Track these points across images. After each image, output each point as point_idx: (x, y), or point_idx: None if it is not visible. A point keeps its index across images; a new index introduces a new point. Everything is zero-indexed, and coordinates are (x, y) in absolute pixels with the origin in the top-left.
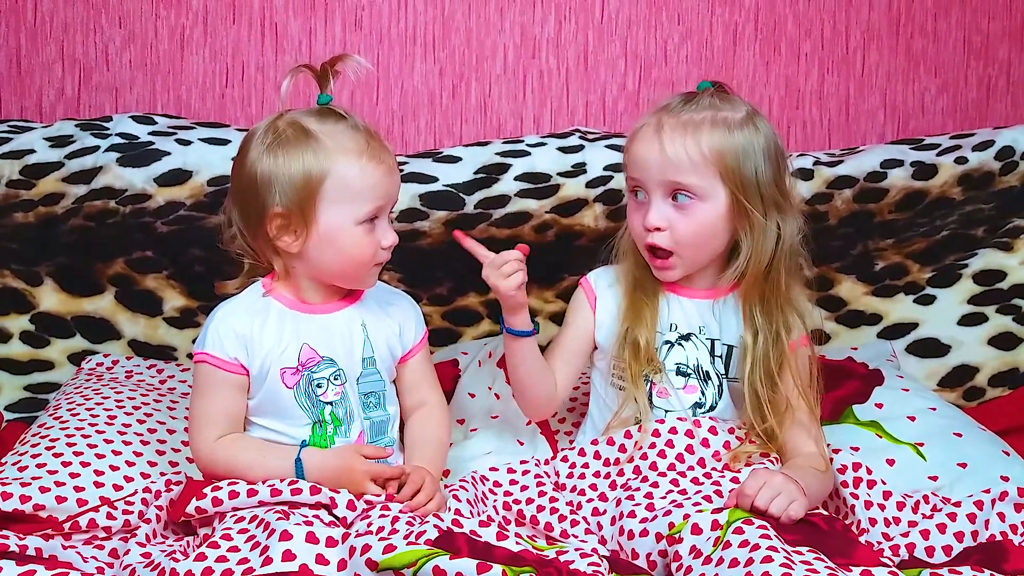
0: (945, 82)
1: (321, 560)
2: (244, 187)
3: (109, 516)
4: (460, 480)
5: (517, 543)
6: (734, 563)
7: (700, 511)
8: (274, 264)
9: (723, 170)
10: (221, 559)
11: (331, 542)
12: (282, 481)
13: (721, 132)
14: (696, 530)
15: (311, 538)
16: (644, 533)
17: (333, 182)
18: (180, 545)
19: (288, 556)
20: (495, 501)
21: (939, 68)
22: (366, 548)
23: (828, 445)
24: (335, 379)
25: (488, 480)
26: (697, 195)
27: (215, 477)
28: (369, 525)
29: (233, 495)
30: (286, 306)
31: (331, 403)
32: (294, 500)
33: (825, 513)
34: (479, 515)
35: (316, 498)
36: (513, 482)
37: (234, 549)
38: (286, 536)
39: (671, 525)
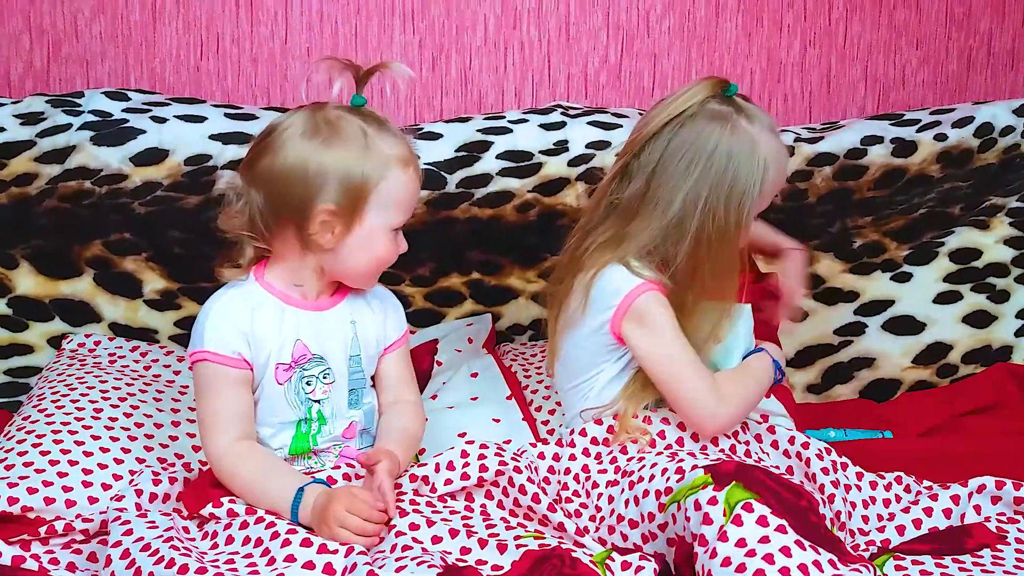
0: (926, 54)
1: (328, 570)
2: (285, 177)
3: (85, 519)
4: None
5: (518, 546)
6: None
7: (694, 488)
8: (285, 252)
9: None
10: (228, 562)
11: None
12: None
13: None
14: (697, 506)
15: (323, 549)
16: (645, 493)
17: (385, 188)
18: (179, 533)
19: (292, 559)
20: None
21: (921, 40)
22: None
23: (792, 430)
24: (324, 377)
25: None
26: None
27: (224, 482)
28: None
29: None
30: (280, 300)
31: (318, 401)
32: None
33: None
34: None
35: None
36: (517, 469)
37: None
38: (296, 545)
39: (668, 490)
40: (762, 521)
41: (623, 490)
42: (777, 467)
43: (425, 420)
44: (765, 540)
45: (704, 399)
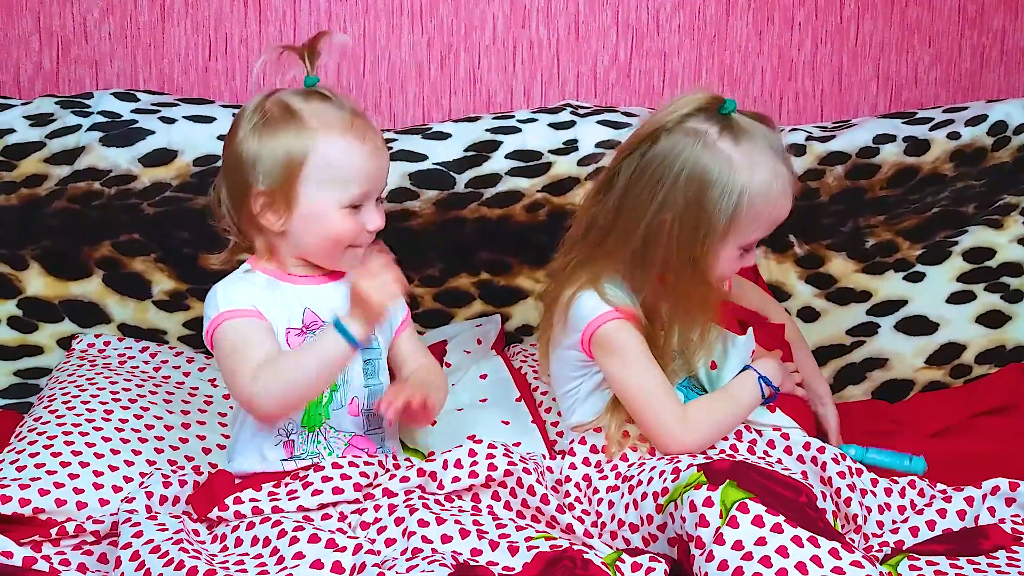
0: (939, 52)
1: (337, 568)
2: (231, 166)
3: (96, 521)
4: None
5: (529, 547)
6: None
7: (688, 486)
8: (256, 242)
9: None
10: (238, 563)
11: (339, 568)
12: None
13: None
14: (692, 507)
15: (331, 544)
16: (644, 496)
17: (315, 161)
18: (188, 534)
19: (300, 555)
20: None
21: (933, 38)
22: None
23: (808, 436)
24: None
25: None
26: None
27: (274, 412)
28: (388, 544)
29: (256, 511)
30: (277, 279)
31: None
32: (336, 500)
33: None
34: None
35: (357, 494)
36: (527, 470)
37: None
38: (304, 542)
39: (664, 491)
40: (758, 521)
41: (623, 495)
42: (788, 468)
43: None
44: (762, 542)
45: (669, 426)
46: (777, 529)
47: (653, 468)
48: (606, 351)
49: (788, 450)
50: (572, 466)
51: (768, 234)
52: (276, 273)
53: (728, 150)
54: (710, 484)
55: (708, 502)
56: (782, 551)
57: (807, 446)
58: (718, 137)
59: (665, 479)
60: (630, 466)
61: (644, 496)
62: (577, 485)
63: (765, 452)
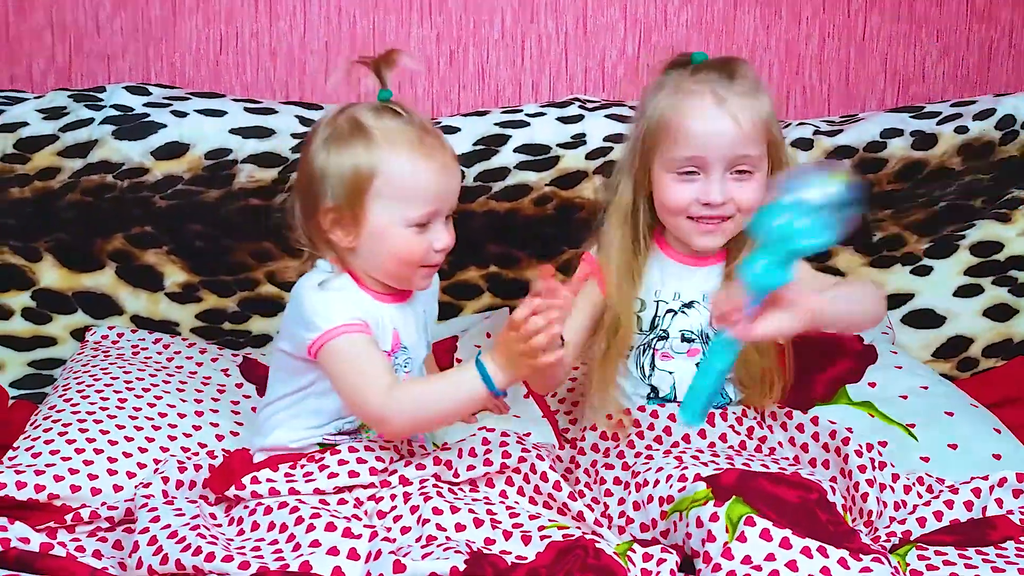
0: (947, 46)
1: (352, 555)
2: (303, 179)
3: (110, 507)
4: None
5: (542, 537)
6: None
7: (695, 502)
8: (327, 256)
9: (770, 138)
10: (255, 548)
11: (354, 555)
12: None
13: (764, 100)
14: (699, 523)
15: (347, 533)
16: (649, 499)
17: (383, 178)
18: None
19: (316, 543)
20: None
21: (941, 31)
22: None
23: (835, 423)
24: (406, 365)
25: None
26: (756, 164)
27: (402, 432)
28: (403, 532)
29: (273, 492)
30: (369, 294)
31: None
32: (351, 483)
33: (841, 501)
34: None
35: (372, 479)
36: (540, 456)
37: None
38: (320, 529)
39: (670, 499)
40: (765, 535)
41: (630, 492)
42: (814, 460)
43: None
44: (771, 558)
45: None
46: (785, 544)
47: (660, 469)
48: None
49: (816, 436)
50: (581, 451)
51: (702, 154)
52: (368, 288)
53: (664, 82)
54: (716, 500)
55: (714, 517)
56: (791, 565)
57: (833, 434)
58: (666, 79)
59: (672, 485)
60: (637, 455)
61: (650, 499)
62: (587, 471)
63: (780, 443)
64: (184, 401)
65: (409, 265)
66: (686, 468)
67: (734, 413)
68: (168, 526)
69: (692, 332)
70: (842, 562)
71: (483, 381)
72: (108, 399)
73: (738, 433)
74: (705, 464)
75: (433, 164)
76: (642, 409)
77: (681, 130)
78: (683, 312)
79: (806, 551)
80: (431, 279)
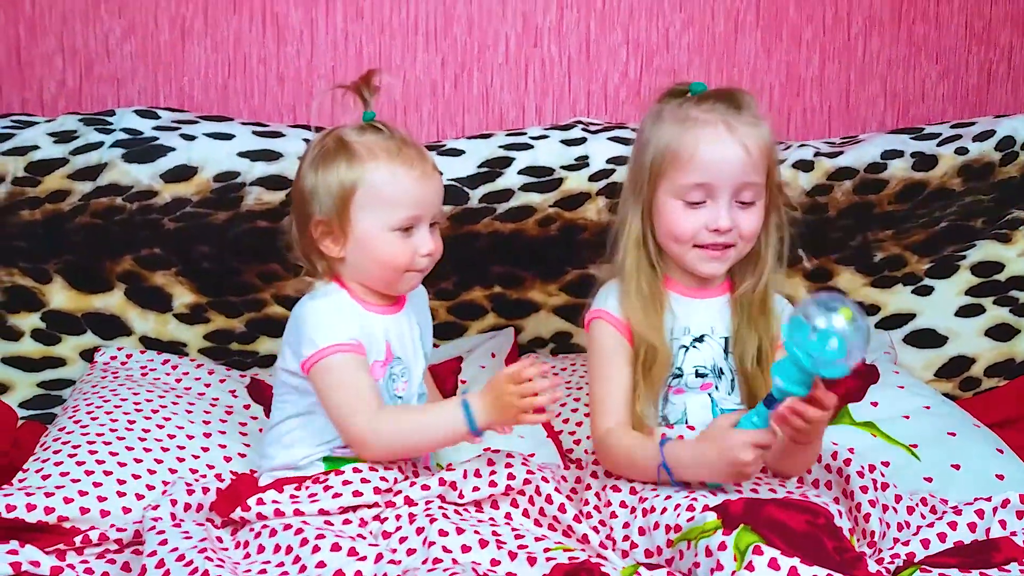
0: (946, 68)
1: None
2: (296, 198)
3: (119, 529)
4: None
5: (548, 559)
6: None
7: (704, 532)
8: (319, 268)
9: (769, 165)
10: (261, 572)
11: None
12: (332, 489)
13: (765, 129)
14: (708, 552)
15: (352, 553)
16: (656, 526)
17: (365, 188)
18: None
19: (322, 564)
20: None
21: (940, 54)
22: None
23: (836, 444)
24: (402, 375)
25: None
26: (758, 193)
27: (381, 456)
28: (409, 553)
29: (278, 514)
30: (361, 305)
31: (400, 398)
32: (356, 503)
33: (848, 526)
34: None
35: (377, 498)
36: (545, 479)
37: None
38: (326, 551)
39: (677, 527)
40: (774, 564)
41: (636, 517)
42: (817, 481)
43: None
44: None
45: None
46: (794, 573)
47: (669, 497)
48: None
49: (818, 457)
50: (594, 475)
51: (711, 181)
52: (361, 300)
53: (665, 113)
54: (724, 528)
55: (722, 546)
56: None
57: (835, 455)
58: (664, 108)
59: (680, 514)
60: (644, 482)
61: (656, 526)
62: (597, 494)
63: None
64: (192, 423)
65: (395, 270)
66: (695, 499)
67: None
68: (176, 549)
69: (705, 367)
70: None
71: (466, 420)
72: (117, 420)
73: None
74: (714, 493)
75: (413, 172)
76: (651, 432)
77: (693, 158)
78: (695, 347)
79: None
80: (418, 281)
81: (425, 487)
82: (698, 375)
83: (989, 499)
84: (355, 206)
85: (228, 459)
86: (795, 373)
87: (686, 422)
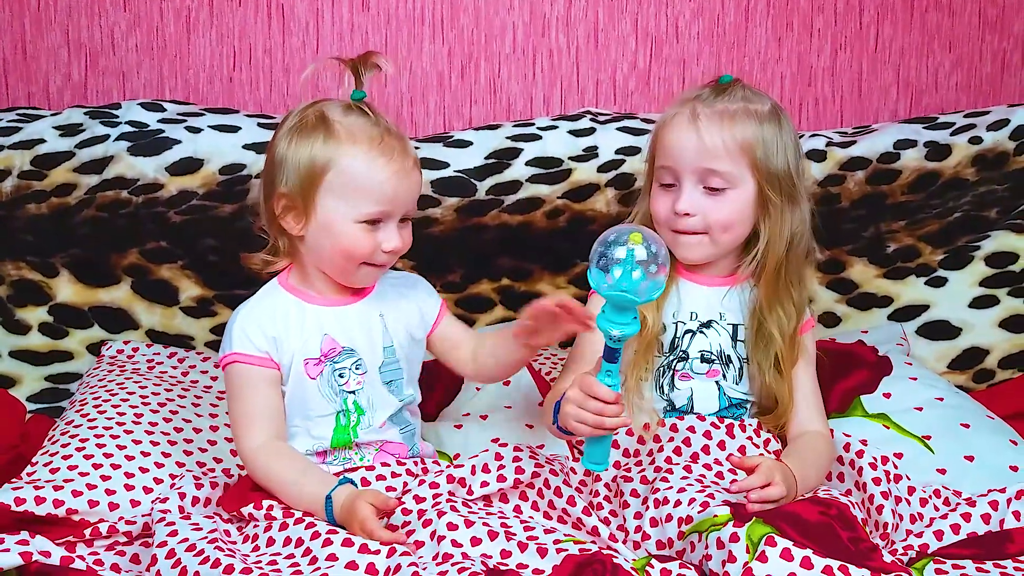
0: (959, 57)
1: (371, 570)
2: (267, 164)
3: (128, 522)
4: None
5: (558, 550)
6: None
7: (715, 525)
8: (279, 243)
9: (752, 160)
10: (271, 563)
11: (372, 570)
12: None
13: (753, 123)
14: (719, 544)
15: (364, 549)
16: (668, 518)
17: (337, 172)
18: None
19: (333, 557)
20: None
21: (954, 42)
22: None
23: (849, 436)
24: (356, 368)
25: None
26: (729, 182)
27: (256, 481)
28: (417, 546)
29: (282, 520)
30: (303, 300)
31: (353, 392)
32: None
33: (859, 515)
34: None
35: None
36: (553, 472)
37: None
38: (337, 545)
39: (689, 519)
40: (786, 555)
41: (648, 508)
42: (829, 473)
43: None
44: None
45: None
46: (807, 563)
47: (682, 490)
48: None
49: None
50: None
51: (672, 165)
52: (302, 293)
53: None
54: (736, 520)
55: (734, 538)
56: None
57: (847, 447)
58: (690, 104)
59: (692, 507)
60: (656, 469)
61: (668, 518)
62: (607, 485)
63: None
64: (199, 416)
65: (351, 260)
66: (710, 495)
67: (750, 425)
68: (186, 539)
69: (711, 352)
70: None
71: (324, 510)
72: (125, 414)
73: (756, 446)
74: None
75: (391, 165)
76: (662, 423)
77: (662, 141)
78: (702, 332)
79: (828, 571)
80: (375, 277)
81: (434, 484)
82: (704, 360)
83: (1003, 490)
84: (323, 188)
85: (235, 453)
86: (618, 315)
87: (692, 409)
